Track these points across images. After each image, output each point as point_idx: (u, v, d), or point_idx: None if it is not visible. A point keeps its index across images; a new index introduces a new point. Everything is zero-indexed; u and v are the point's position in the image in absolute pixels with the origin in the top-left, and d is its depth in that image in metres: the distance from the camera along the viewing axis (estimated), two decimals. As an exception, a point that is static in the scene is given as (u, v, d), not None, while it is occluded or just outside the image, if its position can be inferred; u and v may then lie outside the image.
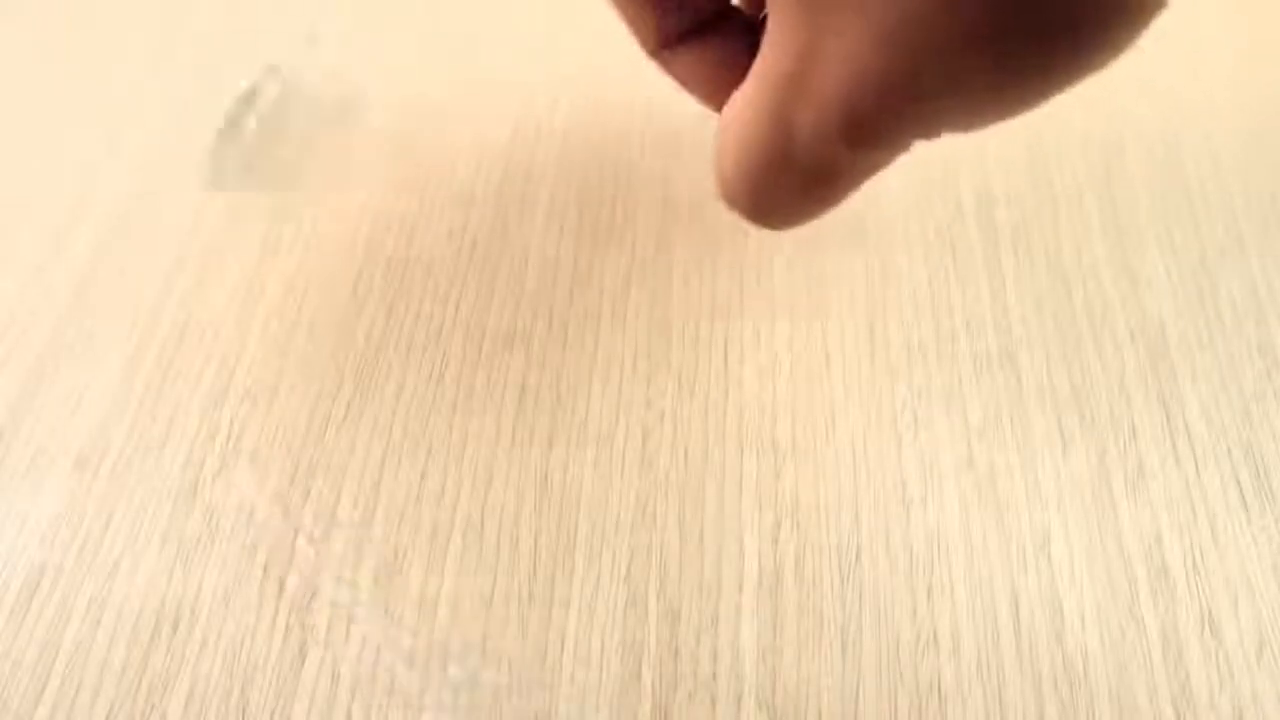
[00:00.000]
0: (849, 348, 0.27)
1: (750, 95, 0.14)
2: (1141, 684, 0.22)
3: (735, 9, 0.18)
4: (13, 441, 0.26)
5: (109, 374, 0.27)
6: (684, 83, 0.18)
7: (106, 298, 0.28)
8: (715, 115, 0.17)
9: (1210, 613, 0.22)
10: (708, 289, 0.28)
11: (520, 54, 0.33)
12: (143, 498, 0.25)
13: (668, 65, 0.18)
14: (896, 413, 0.26)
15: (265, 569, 0.24)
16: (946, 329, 0.27)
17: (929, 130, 0.13)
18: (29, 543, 0.24)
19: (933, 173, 0.30)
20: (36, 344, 0.27)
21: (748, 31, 0.17)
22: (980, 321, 0.27)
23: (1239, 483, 0.24)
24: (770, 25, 0.14)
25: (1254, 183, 0.29)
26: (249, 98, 0.33)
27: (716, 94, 0.17)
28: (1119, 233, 0.28)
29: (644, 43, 0.18)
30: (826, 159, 0.14)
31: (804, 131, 0.13)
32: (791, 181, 0.14)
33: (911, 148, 0.14)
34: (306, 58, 0.34)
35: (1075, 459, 0.25)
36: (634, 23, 0.18)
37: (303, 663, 0.22)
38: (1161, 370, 0.26)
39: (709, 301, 0.28)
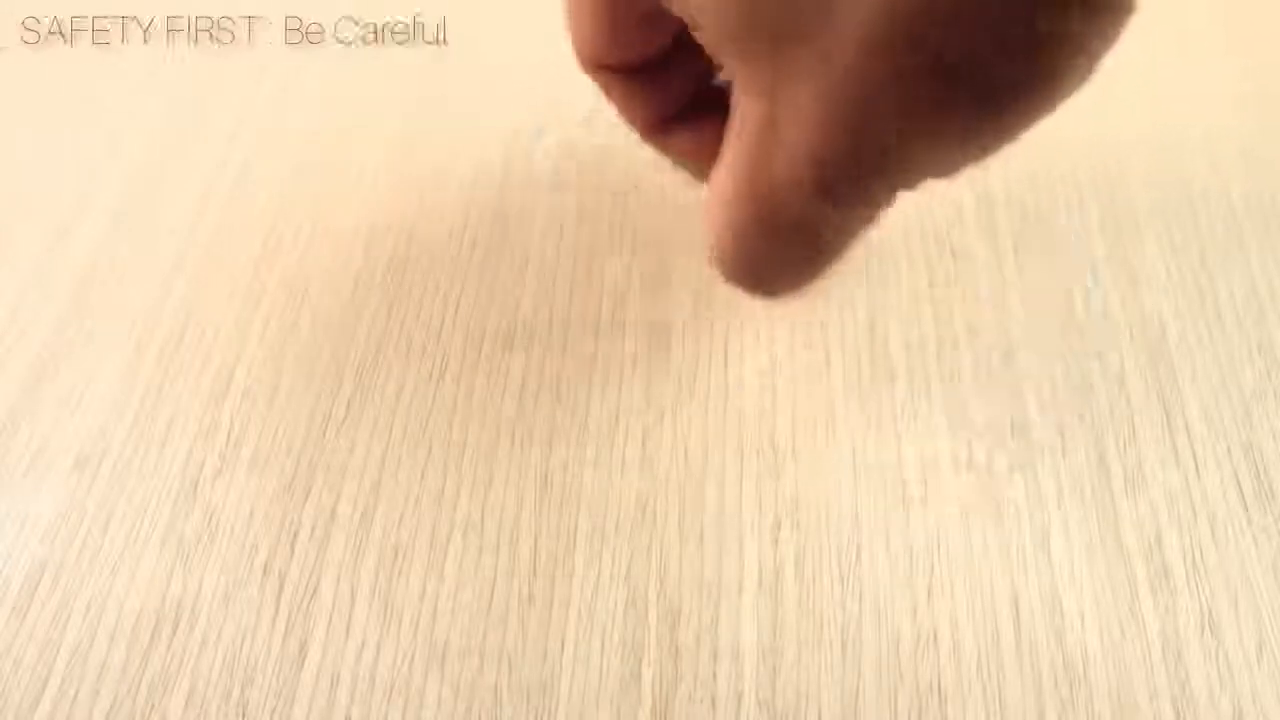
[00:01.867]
0: (849, 348, 0.27)
1: (728, 162, 0.14)
2: (1141, 684, 0.22)
3: (720, 89, 0.18)
4: (12, 441, 0.26)
5: (109, 374, 0.27)
6: (679, 160, 0.18)
7: (106, 298, 0.28)
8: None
9: (1210, 613, 0.22)
10: (708, 289, 0.28)
11: (521, 54, 0.33)
12: (143, 498, 0.25)
13: (663, 146, 0.18)
14: (896, 413, 0.26)
15: (265, 569, 0.24)
16: (946, 329, 0.27)
17: (906, 181, 0.13)
18: (29, 542, 0.24)
19: (933, 173, 0.30)
20: (36, 344, 0.27)
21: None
22: (980, 321, 0.27)
23: (1239, 483, 0.24)
24: (736, 93, 0.14)
25: (1254, 183, 0.29)
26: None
27: (709, 169, 0.17)
28: (1119, 233, 0.28)
29: (637, 127, 0.18)
30: (808, 217, 0.14)
31: (781, 191, 0.13)
32: (778, 244, 0.14)
33: (894, 201, 0.14)
34: (309, 58, 0.34)
35: (1075, 459, 0.25)
36: (625, 108, 0.18)
37: (303, 663, 0.22)
38: (1161, 370, 0.26)
39: (709, 302, 0.28)
